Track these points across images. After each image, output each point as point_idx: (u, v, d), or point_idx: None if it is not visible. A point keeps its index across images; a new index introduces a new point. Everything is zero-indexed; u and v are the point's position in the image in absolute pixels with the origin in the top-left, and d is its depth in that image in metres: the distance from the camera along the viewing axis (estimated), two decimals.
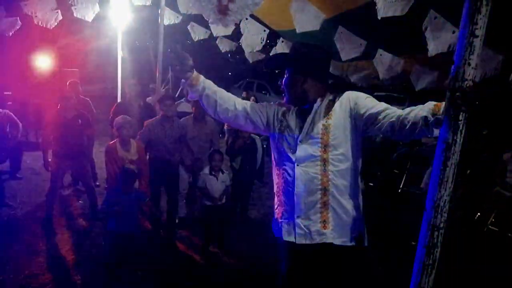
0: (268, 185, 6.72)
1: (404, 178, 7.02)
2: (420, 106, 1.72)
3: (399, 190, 6.93)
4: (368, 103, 1.94)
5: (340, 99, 2.04)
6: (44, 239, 4.30)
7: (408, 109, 1.77)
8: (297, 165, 1.98)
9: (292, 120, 2.08)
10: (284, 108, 2.16)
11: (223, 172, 4.32)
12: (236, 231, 4.84)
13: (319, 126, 1.98)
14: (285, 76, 2.13)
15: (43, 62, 10.38)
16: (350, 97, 2.02)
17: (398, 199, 6.70)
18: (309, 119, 2.02)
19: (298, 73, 2.06)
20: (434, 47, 3.44)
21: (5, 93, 8.92)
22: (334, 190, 1.94)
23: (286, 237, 2.03)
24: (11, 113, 5.95)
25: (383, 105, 1.92)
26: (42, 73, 10.05)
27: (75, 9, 5.63)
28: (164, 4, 6.11)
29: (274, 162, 2.18)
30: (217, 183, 4.23)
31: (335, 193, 1.94)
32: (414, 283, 1.53)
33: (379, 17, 3.26)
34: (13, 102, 8.17)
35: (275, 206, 2.17)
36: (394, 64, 5.07)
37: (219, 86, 2.14)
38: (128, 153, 4.02)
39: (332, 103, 2.03)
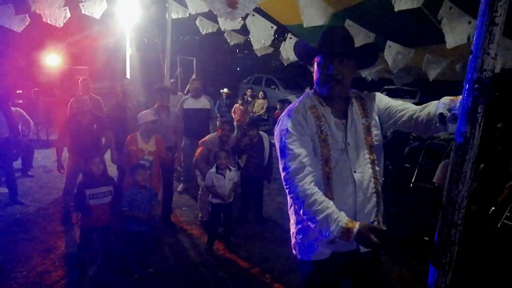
0: (277, 182, 6.70)
1: (416, 173, 6.92)
2: (435, 102, 1.69)
3: (411, 185, 6.84)
4: (389, 99, 1.97)
5: (366, 96, 1.98)
6: (56, 236, 4.33)
7: (424, 105, 1.76)
8: (355, 172, 1.79)
9: (332, 123, 1.85)
10: (311, 109, 1.88)
11: (230, 170, 4.28)
12: (246, 228, 4.83)
13: (360, 126, 1.87)
14: (342, 63, 1.82)
15: (53, 60, 10.45)
16: (375, 96, 1.99)
17: (410, 194, 6.61)
18: (349, 119, 1.86)
19: (357, 63, 1.90)
20: (452, 39, 3.34)
21: (17, 91, 9.02)
22: (381, 190, 1.88)
23: (345, 249, 1.81)
24: (23, 111, 6.01)
25: (401, 102, 1.94)
26: (52, 71, 10.12)
27: (83, 6, 5.63)
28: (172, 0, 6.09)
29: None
30: (225, 181, 4.20)
31: (381, 193, 1.88)
32: (430, 282, 1.48)
33: (396, 10, 3.18)
34: (24, 100, 8.24)
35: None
36: (404, 55, 4.98)
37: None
38: (147, 145, 4.23)
39: (362, 100, 1.95)
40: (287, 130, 1.82)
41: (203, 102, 5.90)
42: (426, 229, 4.36)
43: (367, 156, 1.84)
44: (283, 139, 1.82)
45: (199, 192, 4.89)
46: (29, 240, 4.20)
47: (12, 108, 5.58)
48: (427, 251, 1.58)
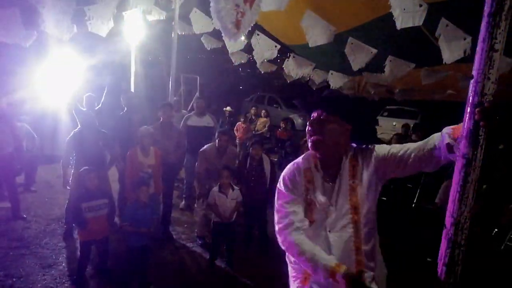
0: None
1: (418, 193, 6.91)
2: (436, 134, 1.69)
3: (413, 205, 6.82)
4: (386, 147, 1.91)
5: (361, 155, 1.94)
6: (57, 252, 4.32)
7: (424, 141, 1.74)
8: (330, 232, 1.88)
9: (319, 187, 1.94)
10: (305, 171, 1.98)
11: (233, 189, 4.24)
12: (249, 247, 4.81)
13: (346, 187, 1.89)
14: (329, 126, 1.87)
15: (58, 76, 10.55)
16: (371, 151, 1.93)
17: (412, 215, 6.59)
18: (338, 181, 1.91)
19: (347, 131, 1.90)
20: (449, 55, 3.44)
21: (22, 106, 9.08)
22: (366, 247, 1.89)
23: None
24: (28, 126, 6.06)
25: (401, 145, 1.87)
26: (57, 86, 10.21)
27: (90, 24, 5.75)
28: (178, 19, 6.21)
29: None
30: (227, 201, 4.16)
31: (367, 250, 1.89)
32: None
33: (398, 28, 3.27)
34: (29, 115, 8.30)
35: (300, 275, 1.98)
36: (402, 68, 5.09)
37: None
38: (146, 159, 4.46)
39: (354, 160, 1.93)
40: (281, 192, 2.00)
41: (207, 120, 6.00)
42: (429, 250, 4.34)
43: (349, 216, 1.86)
44: (278, 199, 2.01)
45: (195, 205, 4.92)
46: (30, 255, 4.19)
47: (18, 123, 5.64)
48: (431, 272, 1.59)
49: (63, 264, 4.06)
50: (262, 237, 5.06)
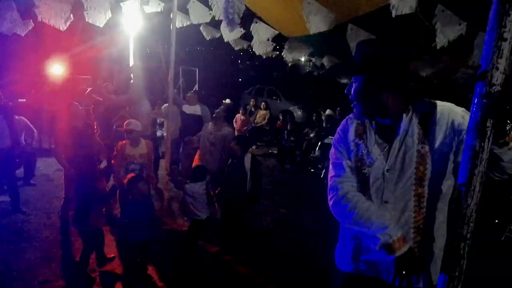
0: (279, 193, 6.69)
1: None
2: None
3: None
4: None
5: (437, 116, 1.60)
6: (57, 245, 4.31)
7: None
8: (385, 203, 1.63)
9: (372, 143, 1.68)
10: (357, 124, 1.74)
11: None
12: (249, 240, 4.80)
13: (413, 153, 1.59)
14: (354, 85, 1.69)
15: (56, 69, 10.48)
16: (452, 116, 1.59)
17: None
18: (397, 142, 1.63)
19: (371, 85, 1.62)
20: (442, 39, 3.47)
21: (20, 100, 9.05)
22: (429, 228, 1.64)
23: (368, 273, 1.75)
24: (26, 120, 6.02)
25: None
26: (56, 80, 10.15)
27: (87, 14, 5.68)
28: (176, 10, 6.15)
29: None
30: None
31: (429, 231, 1.65)
32: None
33: (393, 15, 3.30)
34: (28, 109, 8.26)
35: (351, 238, 1.79)
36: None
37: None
38: (136, 149, 4.45)
39: (425, 120, 1.60)
40: (333, 142, 1.84)
41: (194, 109, 6.55)
42: None
43: (413, 187, 1.60)
44: (332, 149, 1.83)
45: None
46: (30, 249, 4.18)
47: (16, 117, 5.59)
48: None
49: (64, 258, 4.05)
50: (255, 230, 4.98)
